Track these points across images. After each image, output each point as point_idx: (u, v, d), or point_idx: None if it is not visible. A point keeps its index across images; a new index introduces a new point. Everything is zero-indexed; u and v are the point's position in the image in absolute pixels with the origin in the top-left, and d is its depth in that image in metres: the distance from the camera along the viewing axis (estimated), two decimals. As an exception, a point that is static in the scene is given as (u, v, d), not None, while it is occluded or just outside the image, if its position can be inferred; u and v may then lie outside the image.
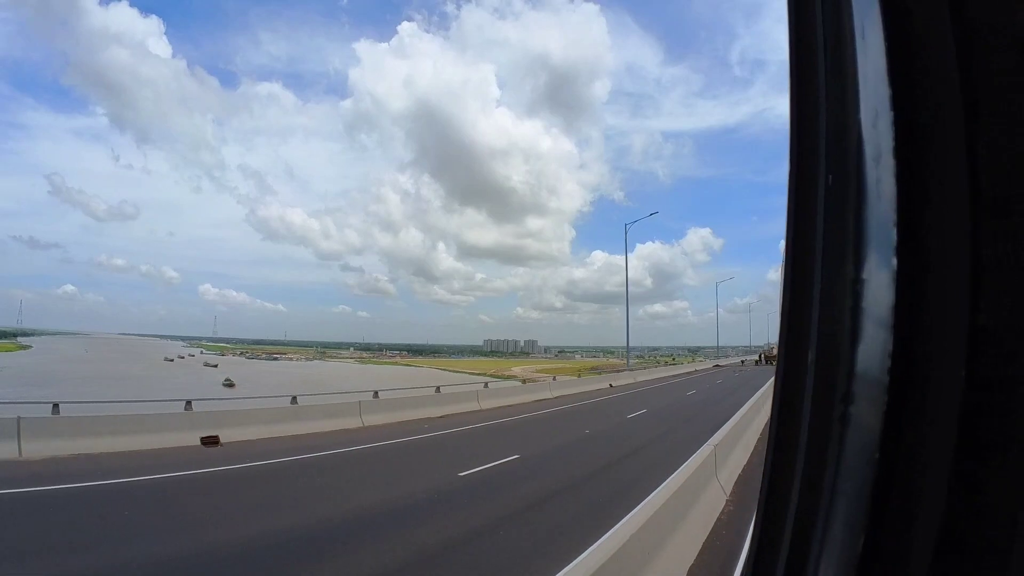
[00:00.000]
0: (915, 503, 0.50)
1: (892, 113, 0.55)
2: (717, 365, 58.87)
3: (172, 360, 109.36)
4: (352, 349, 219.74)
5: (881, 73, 0.59)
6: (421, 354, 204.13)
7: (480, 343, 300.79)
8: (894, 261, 0.51)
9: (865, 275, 0.58)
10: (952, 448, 0.48)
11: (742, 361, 68.97)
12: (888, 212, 0.53)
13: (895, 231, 0.51)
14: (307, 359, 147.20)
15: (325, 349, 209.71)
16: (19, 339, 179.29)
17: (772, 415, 0.74)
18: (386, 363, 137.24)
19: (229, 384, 56.17)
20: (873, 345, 0.54)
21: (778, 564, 0.70)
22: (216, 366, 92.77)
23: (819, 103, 0.71)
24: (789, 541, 0.68)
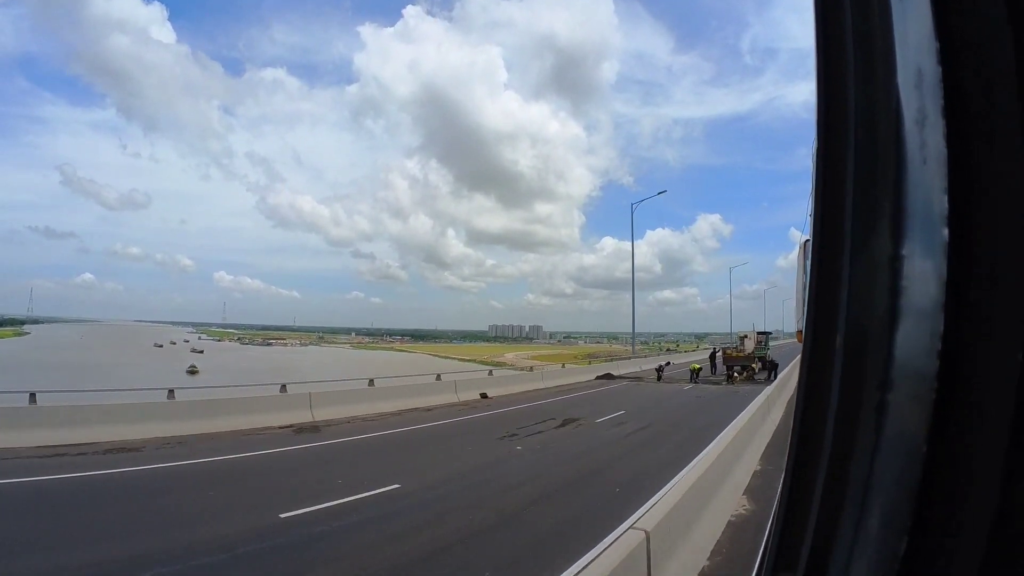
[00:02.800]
0: (963, 504, 0.45)
1: (940, 69, 0.50)
2: (608, 375, 27.24)
3: (161, 346, 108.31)
4: (353, 334, 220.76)
5: (927, 28, 0.53)
6: (424, 339, 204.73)
7: (487, 328, 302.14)
8: (944, 232, 0.46)
9: (906, 251, 0.53)
10: (1006, 443, 0.43)
11: (658, 369, 27.69)
12: (935, 179, 0.48)
13: (946, 198, 0.46)
14: (302, 344, 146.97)
15: (324, 335, 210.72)
16: (25, 327, 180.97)
17: (798, 400, 0.70)
18: (380, 348, 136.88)
19: (193, 371, 56.79)
20: (917, 328, 0.49)
21: (801, 554, 0.67)
22: (202, 352, 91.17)
23: (847, 71, 0.66)
24: (813, 529, 0.64)
